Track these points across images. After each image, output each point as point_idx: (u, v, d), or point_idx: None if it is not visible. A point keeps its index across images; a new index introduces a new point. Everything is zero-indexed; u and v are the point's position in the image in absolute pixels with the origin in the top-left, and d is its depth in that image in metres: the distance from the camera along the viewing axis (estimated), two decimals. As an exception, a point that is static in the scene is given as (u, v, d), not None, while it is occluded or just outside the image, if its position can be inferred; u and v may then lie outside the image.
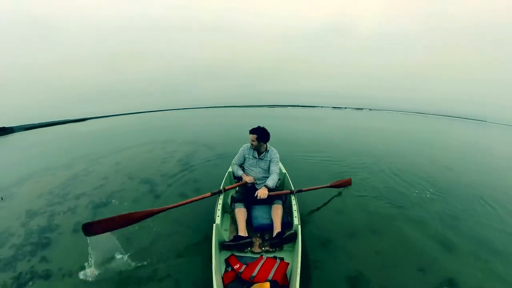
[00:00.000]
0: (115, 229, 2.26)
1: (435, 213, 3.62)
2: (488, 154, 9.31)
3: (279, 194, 2.84)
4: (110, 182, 4.78)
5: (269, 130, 3.01)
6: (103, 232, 2.19)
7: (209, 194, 2.78)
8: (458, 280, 2.33)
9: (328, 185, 3.71)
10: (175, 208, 2.65)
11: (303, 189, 3.10)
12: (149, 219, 2.53)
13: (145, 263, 2.44)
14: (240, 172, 3.11)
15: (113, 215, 2.30)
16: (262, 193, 2.68)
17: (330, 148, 7.61)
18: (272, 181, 2.88)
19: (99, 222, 2.20)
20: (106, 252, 2.43)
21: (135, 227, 2.77)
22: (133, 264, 2.44)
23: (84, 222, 2.15)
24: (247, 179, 2.99)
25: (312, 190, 3.30)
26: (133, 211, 2.37)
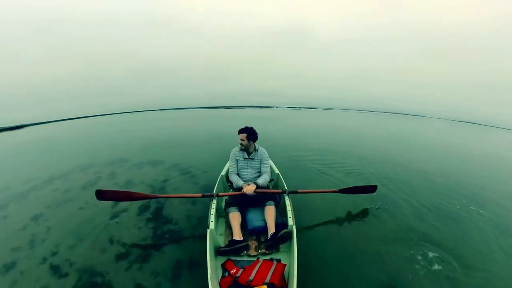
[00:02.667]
0: (119, 201, 2.97)
1: (427, 201, 3.95)
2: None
3: (269, 193, 2.87)
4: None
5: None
6: (110, 200, 2.89)
7: (200, 194, 2.84)
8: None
9: (337, 190, 3.37)
10: (167, 214, 3.06)
11: (299, 190, 3.07)
12: (143, 227, 2.97)
13: (139, 272, 2.42)
14: (241, 183, 3.00)
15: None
16: (248, 188, 2.75)
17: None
18: (262, 179, 2.97)
19: (109, 191, 2.82)
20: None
21: (130, 236, 2.90)
22: (126, 273, 2.41)
23: (98, 189, 2.75)
24: (247, 189, 2.82)
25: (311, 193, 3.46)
26: (134, 192, 2.89)
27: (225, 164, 3.99)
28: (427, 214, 3.67)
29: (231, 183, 3.20)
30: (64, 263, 2.52)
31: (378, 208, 3.75)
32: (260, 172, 3.17)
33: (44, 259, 2.59)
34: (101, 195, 2.78)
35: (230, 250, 2.29)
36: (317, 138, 9.85)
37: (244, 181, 3.05)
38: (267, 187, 3.08)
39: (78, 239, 2.86)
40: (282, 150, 6.82)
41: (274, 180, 3.61)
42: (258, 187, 2.88)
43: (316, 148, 7.25)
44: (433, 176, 5.39)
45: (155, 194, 2.94)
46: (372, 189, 3.59)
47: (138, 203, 3.57)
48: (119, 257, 2.59)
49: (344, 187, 3.42)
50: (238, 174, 3.15)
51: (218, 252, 2.30)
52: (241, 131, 3.03)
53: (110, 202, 3.39)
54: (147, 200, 3.46)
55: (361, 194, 3.53)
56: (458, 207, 3.96)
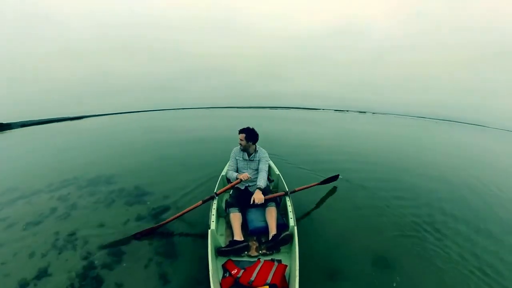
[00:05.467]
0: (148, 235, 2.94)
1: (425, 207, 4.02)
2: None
3: (274, 197, 2.87)
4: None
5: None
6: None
7: (200, 202, 2.81)
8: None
9: (319, 182, 3.99)
10: (167, 215, 3.24)
11: (296, 189, 3.19)
12: (143, 227, 3.05)
13: (140, 273, 2.41)
14: (235, 175, 3.03)
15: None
16: (258, 198, 2.66)
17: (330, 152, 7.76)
18: (262, 180, 2.91)
19: (144, 231, 2.92)
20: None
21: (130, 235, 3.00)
22: (126, 273, 2.42)
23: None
24: (242, 176, 2.89)
25: (305, 189, 3.52)
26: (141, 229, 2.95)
27: (225, 165, 4.01)
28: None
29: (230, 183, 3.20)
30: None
31: (379, 206, 3.86)
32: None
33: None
34: (138, 235, 2.93)
35: (230, 250, 2.29)
36: (362, 144, 9.84)
37: (243, 182, 3.05)
38: (268, 187, 3.12)
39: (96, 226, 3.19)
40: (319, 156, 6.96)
41: (274, 181, 3.64)
42: (263, 192, 2.82)
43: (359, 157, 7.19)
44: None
45: (162, 223, 3.01)
46: (334, 178, 4.25)
47: (139, 203, 3.81)
48: (120, 256, 2.61)
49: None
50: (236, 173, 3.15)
51: (218, 252, 2.29)
52: (241, 131, 3.04)
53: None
54: (150, 199, 3.81)
55: None
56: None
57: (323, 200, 3.97)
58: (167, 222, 2.94)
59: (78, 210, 3.65)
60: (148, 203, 3.73)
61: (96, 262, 2.49)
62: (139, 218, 3.34)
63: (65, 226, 3.21)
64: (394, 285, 2.31)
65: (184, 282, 2.27)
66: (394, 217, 3.57)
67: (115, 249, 2.70)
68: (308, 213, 3.48)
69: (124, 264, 2.48)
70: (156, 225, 2.98)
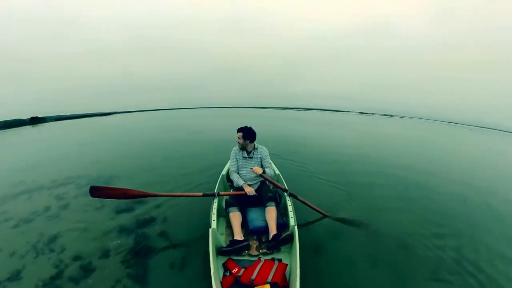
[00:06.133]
0: (114, 198, 2.69)
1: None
2: None
3: (274, 184, 2.97)
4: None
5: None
6: (105, 197, 2.64)
7: (201, 194, 2.80)
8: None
9: (330, 216, 3.29)
10: (169, 213, 3.17)
11: (299, 197, 3.00)
12: (144, 227, 3.02)
13: (141, 272, 2.35)
14: (241, 182, 3.00)
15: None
16: (257, 169, 2.88)
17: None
18: (268, 170, 3.09)
19: (103, 188, 2.62)
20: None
21: (129, 238, 2.88)
22: (127, 272, 2.36)
23: (91, 185, 2.60)
24: (248, 190, 2.87)
25: (307, 206, 3.15)
26: (131, 188, 2.70)
27: (225, 164, 4.04)
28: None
29: (231, 183, 3.22)
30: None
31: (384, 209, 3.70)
32: None
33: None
34: (95, 192, 2.59)
35: (231, 250, 2.28)
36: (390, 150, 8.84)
37: (243, 180, 3.07)
38: (268, 186, 3.08)
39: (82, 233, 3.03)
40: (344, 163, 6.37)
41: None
42: (264, 188, 2.97)
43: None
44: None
45: (155, 193, 2.75)
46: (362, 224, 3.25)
47: (140, 201, 3.63)
48: (120, 255, 2.56)
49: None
50: (237, 173, 3.17)
51: (219, 252, 2.27)
52: (239, 130, 3.09)
53: (115, 200, 3.49)
54: (149, 198, 3.30)
55: None
56: None
57: (324, 199, 3.87)
58: (160, 196, 2.81)
59: (68, 212, 3.60)
60: (137, 211, 3.45)
61: (64, 273, 2.35)
62: (121, 229, 3.06)
63: (51, 227, 3.16)
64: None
65: (184, 280, 2.22)
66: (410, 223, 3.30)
67: (88, 260, 2.52)
68: (309, 212, 3.35)
69: (90, 281, 2.27)
70: (152, 192, 2.76)
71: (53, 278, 2.27)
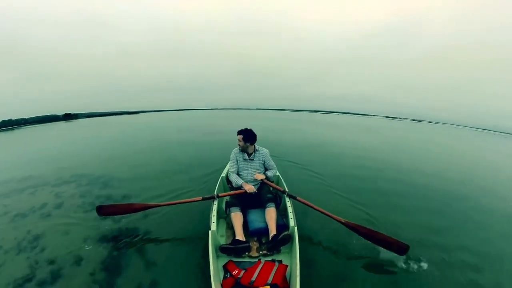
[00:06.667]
0: (119, 214, 2.98)
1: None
2: None
3: (274, 187, 2.98)
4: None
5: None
6: (112, 215, 2.95)
7: (200, 198, 2.79)
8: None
9: (344, 221, 2.71)
10: (168, 214, 3.20)
11: (298, 198, 2.85)
12: (142, 228, 2.98)
13: (140, 273, 2.29)
14: (240, 182, 2.96)
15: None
16: (258, 175, 2.95)
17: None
18: (270, 172, 3.15)
19: (108, 206, 2.91)
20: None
21: (132, 237, 2.84)
22: (128, 274, 2.30)
23: (97, 205, 2.92)
24: (248, 188, 2.82)
25: (312, 207, 2.90)
26: (134, 203, 2.93)
27: (225, 166, 4.03)
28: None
29: (231, 184, 3.20)
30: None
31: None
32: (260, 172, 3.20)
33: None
34: (101, 210, 2.88)
35: (233, 248, 2.24)
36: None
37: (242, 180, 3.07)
38: (268, 187, 3.06)
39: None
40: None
41: (274, 182, 3.54)
42: (264, 189, 2.96)
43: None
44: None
45: (156, 203, 2.87)
46: (401, 249, 2.44)
47: (113, 218, 3.43)
48: (121, 257, 2.48)
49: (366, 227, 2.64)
50: (238, 175, 3.14)
51: (221, 249, 2.24)
52: (239, 133, 3.06)
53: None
54: (123, 219, 3.26)
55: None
56: None
57: (324, 200, 3.80)
58: (161, 205, 2.87)
59: (59, 211, 3.55)
60: (123, 220, 3.21)
61: (36, 276, 2.27)
62: (99, 236, 2.84)
63: (40, 225, 3.14)
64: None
65: (184, 283, 2.17)
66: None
67: (60, 265, 2.41)
68: (308, 213, 3.30)
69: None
70: (153, 203, 2.89)
71: (24, 280, 2.22)
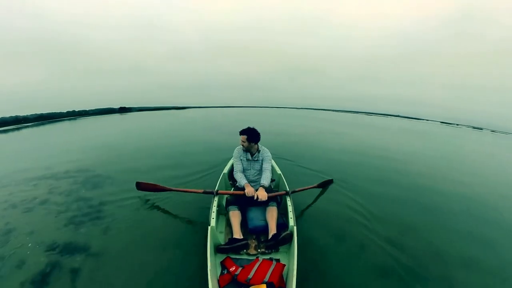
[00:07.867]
0: (148, 191, 3.54)
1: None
2: None
3: (276, 196, 2.87)
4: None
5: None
6: (144, 190, 3.54)
7: (201, 190, 2.91)
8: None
9: (315, 185, 4.00)
10: (168, 209, 3.33)
11: (297, 189, 3.23)
12: (143, 222, 3.05)
13: (137, 266, 2.33)
14: (243, 182, 2.92)
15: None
16: (262, 195, 2.64)
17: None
18: (266, 179, 2.94)
19: (144, 184, 3.50)
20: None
21: (130, 229, 2.89)
22: (126, 267, 2.33)
23: (137, 180, 3.52)
24: (248, 190, 2.74)
25: (305, 190, 3.53)
26: (157, 184, 3.45)
27: (226, 163, 4.07)
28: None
29: (233, 182, 3.24)
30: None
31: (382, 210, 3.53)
32: (261, 172, 3.13)
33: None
34: (138, 186, 3.52)
35: (230, 248, 2.27)
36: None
37: (247, 181, 3.04)
38: (270, 186, 3.06)
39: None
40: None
41: (275, 181, 3.63)
42: (266, 190, 2.81)
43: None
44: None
45: (170, 187, 3.37)
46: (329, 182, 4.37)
47: (142, 196, 3.65)
48: (119, 251, 2.51)
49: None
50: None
51: (218, 249, 2.27)
52: (242, 133, 3.04)
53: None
54: (150, 193, 3.61)
55: None
56: None
57: (324, 200, 3.86)
58: (167, 190, 3.30)
59: (40, 207, 3.44)
60: (104, 225, 3.00)
61: None
62: (65, 246, 2.58)
63: (17, 220, 3.10)
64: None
65: (181, 277, 2.20)
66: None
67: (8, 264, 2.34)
68: (308, 213, 3.38)
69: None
70: (160, 186, 3.41)
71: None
